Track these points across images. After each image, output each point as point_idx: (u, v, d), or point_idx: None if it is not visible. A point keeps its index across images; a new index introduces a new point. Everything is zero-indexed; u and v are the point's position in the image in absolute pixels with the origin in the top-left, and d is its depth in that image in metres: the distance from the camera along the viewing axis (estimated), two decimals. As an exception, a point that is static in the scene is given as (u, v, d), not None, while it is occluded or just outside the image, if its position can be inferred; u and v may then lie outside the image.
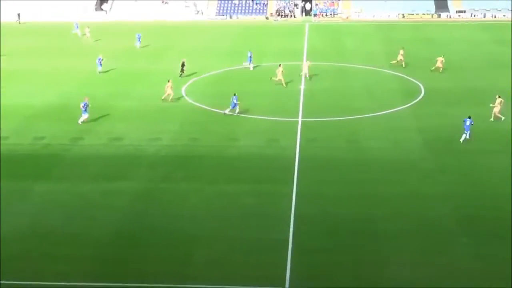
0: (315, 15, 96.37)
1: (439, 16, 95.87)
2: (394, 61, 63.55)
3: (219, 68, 62.76)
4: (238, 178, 37.51)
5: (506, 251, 29.36)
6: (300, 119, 47.32)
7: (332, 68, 62.91)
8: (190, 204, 34.25)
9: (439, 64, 60.76)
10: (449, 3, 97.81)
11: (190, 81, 57.97)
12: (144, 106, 51.04)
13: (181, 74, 59.46)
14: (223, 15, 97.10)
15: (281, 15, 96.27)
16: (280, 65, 57.16)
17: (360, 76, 60.30)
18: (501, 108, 47.13)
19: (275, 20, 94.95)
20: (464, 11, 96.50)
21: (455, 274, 27.76)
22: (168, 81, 52.13)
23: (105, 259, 29.16)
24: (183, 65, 59.82)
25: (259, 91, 54.51)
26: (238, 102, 47.93)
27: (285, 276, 27.67)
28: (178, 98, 52.68)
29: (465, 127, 42.72)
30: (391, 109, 49.68)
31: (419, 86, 56.03)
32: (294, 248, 29.78)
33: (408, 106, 50.60)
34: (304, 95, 53.62)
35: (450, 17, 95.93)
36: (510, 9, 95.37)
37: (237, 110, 48.13)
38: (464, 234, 30.99)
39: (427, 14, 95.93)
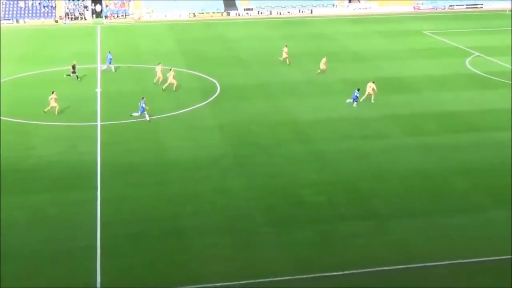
0: (106, 16, 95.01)
1: (228, 14, 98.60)
2: (281, 59, 65.08)
3: (10, 75, 60.01)
4: (39, 189, 36.26)
5: (307, 235, 31.25)
6: (99, 123, 46.65)
7: (128, 69, 62.61)
8: (-12, 220, 32.63)
9: (322, 65, 61.45)
10: (237, 1, 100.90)
11: (-22, 90, 54.94)
12: None
13: (71, 75, 58.29)
14: (9, 20, 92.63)
15: (71, 18, 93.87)
16: (171, 69, 56.45)
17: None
18: (373, 93, 51.95)
19: (65, 23, 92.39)
20: (252, 9, 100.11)
21: (262, 263, 29.00)
22: (52, 93, 48.91)
23: None
24: (73, 67, 58.45)
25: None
26: (147, 107, 47.31)
27: (96, 282, 27.35)
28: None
29: (353, 96, 50.96)
30: (190, 107, 50.51)
31: (215, 83, 57.45)
32: (102, 253, 29.51)
33: (206, 104, 51.73)
34: (101, 98, 52.89)
35: (239, 15, 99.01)
36: (294, 6, 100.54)
37: (136, 114, 47.61)
38: (268, 224, 32.44)
39: (217, 12, 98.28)
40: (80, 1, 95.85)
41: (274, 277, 27.79)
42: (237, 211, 33.75)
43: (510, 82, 58.11)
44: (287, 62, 64.99)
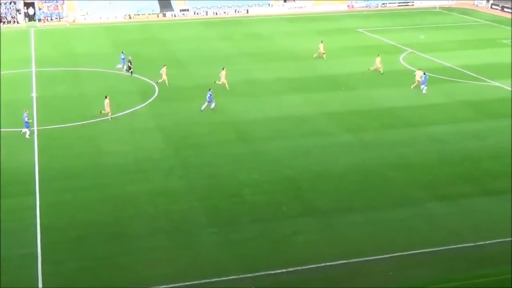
0: (39, 20, 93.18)
1: (164, 15, 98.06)
2: (318, 54, 67.03)
3: None
4: (-25, 197, 35.43)
5: (250, 235, 31.46)
6: (36, 128, 45.80)
7: (64, 73, 61.66)
8: None
9: (378, 64, 61.90)
10: (172, 2, 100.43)
11: None
12: None
13: (131, 72, 60.54)
14: None
15: (3, 22, 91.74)
16: (224, 68, 56.26)
17: (95, 80, 59.76)
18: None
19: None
20: (188, 10, 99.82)
21: (206, 264, 29.04)
22: (106, 97, 48.14)
23: None
24: (130, 63, 60.77)
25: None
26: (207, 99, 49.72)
27: (38, 290, 27.00)
28: None
29: (422, 81, 54.37)
30: (129, 110, 50.10)
31: (153, 85, 57.10)
32: (43, 260, 29.08)
33: (145, 106, 51.41)
34: (37, 103, 51.95)
35: (175, 16, 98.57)
36: (230, 6, 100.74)
37: (212, 105, 49.54)
38: (211, 225, 32.50)
39: (153, 14, 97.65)
40: (12, 5, 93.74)
41: (219, 277, 27.87)
42: (180, 213, 33.71)
43: (442, 77, 59.62)
44: (324, 58, 66.86)
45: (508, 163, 39.70)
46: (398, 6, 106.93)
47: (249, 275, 28.08)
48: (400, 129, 46.16)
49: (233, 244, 30.78)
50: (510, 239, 30.67)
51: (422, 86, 54.56)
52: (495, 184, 36.87)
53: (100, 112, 47.75)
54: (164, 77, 56.74)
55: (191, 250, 30.26)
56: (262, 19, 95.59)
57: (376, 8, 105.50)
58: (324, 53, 67.43)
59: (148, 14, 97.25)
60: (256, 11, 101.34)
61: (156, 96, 54.00)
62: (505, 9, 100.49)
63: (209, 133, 45.34)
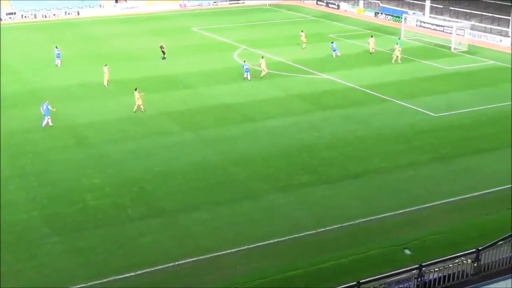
0: None
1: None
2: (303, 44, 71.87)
3: None
4: None
5: (95, 240, 30.88)
6: None
7: None
8: None
9: (372, 45, 68.37)
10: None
11: None
12: None
13: (163, 57, 66.36)
14: None
15: None
16: (262, 57, 53.51)
17: None
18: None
19: None
20: (15, 13, 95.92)
21: (52, 275, 28.15)
22: (135, 90, 45.66)
23: None
24: (162, 47, 66.27)
25: None
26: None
27: None
28: None
29: (333, 48, 67.13)
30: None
31: (-18, 93, 54.48)
32: None
33: (-26, 115, 48.96)
34: None
35: (0, 20, 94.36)
36: (60, 8, 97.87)
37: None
38: (54, 234, 31.48)
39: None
40: None
41: (67, 287, 27.15)
42: (19, 224, 32.40)
43: (275, 72, 61.51)
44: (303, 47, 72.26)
45: (343, 151, 41.80)
46: (230, 4, 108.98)
47: (98, 281, 27.57)
48: (239, 125, 47.12)
49: (79, 251, 30.08)
50: (347, 224, 32.31)
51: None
52: (331, 173, 38.62)
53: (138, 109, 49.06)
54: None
55: (35, 261, 29.21)
56: (94, 21, 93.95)
57: (209, 7, 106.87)
58: (304, 43, 71.91)
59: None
60: (88, 12, 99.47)
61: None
62: (330, 5, 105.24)
63: (45, 139, 43.94)
